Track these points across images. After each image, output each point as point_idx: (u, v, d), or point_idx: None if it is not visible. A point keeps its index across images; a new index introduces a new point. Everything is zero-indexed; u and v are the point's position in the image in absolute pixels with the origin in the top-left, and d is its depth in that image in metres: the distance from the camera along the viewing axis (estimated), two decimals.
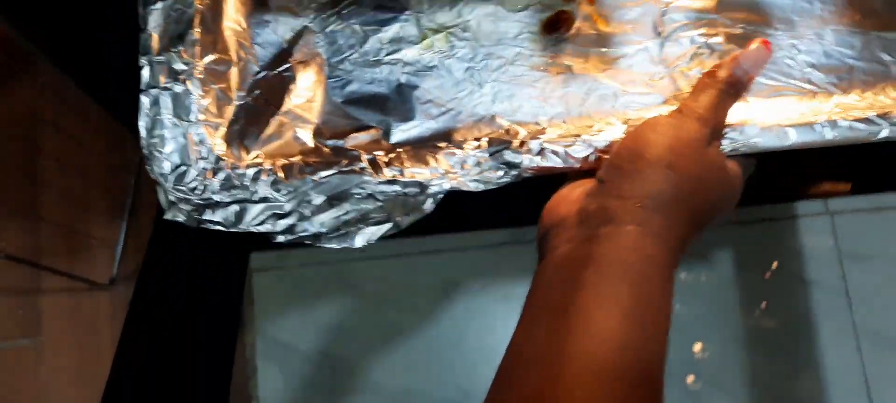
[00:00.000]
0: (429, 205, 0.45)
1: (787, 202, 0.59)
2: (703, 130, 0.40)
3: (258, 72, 0.49)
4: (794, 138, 0.44)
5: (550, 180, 0.45)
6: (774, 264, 0.58)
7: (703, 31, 0.49)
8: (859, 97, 0.47)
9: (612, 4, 0.50)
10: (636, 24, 0.49)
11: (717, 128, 0.42)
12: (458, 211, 0.49)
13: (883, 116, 0.44)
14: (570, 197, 0.41)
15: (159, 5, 0.49)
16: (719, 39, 0.49)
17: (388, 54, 0.49)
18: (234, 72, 0.48)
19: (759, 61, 0.43)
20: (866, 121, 0.44)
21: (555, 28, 0.50)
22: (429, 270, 0.58)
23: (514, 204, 0.52)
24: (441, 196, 0.45)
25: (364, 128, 0.47)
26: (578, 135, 0.45)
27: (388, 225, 0.45)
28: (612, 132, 0.45)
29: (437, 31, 0.50)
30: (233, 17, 0.50)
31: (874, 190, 0.60)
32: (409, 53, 0.49)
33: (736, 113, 0.46)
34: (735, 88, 0.42)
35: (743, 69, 0.42)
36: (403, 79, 0.49)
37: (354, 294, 0.58)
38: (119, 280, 1.34)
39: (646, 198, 0.38)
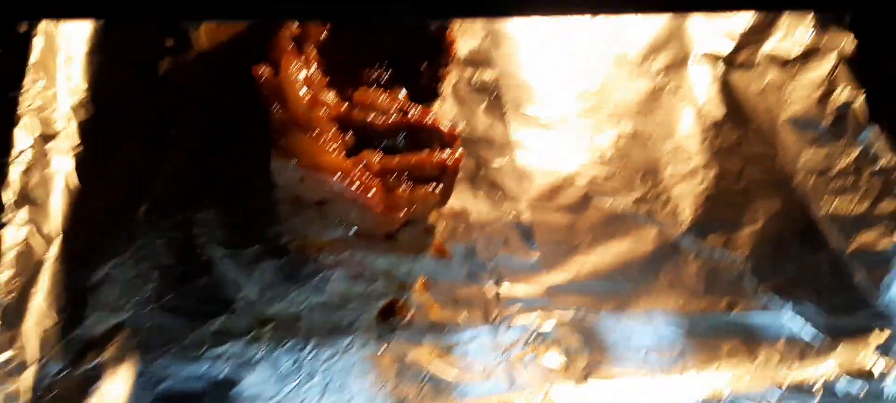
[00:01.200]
0: None
1: None
2: None
3: (59, 372, 0.44)
4: None
5: None
6: None
7: (535, 316, 0.49)
8: (696, 375, 0.47)
9: (446, 292, 0.49)
10: (470, 312, 0.49)
11: None
12: None
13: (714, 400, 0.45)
14: None
15: None
16: (552, 325, 0.48)
17: (210, 348, 0.46)
18: (29, 372, 0.44)
19: None
20: None
21: (389, 315, 0.48)
22: None
23: None
24: None
25: None
26: None
27: None
28: None
29: (266, 323, 0.48)
30: (42, 311, 0.46)
31: None
32: (233, 347, 0.46)
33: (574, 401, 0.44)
34: None
35: None
36: (224, 374, 0.45)
37: None
38: None
39: None
